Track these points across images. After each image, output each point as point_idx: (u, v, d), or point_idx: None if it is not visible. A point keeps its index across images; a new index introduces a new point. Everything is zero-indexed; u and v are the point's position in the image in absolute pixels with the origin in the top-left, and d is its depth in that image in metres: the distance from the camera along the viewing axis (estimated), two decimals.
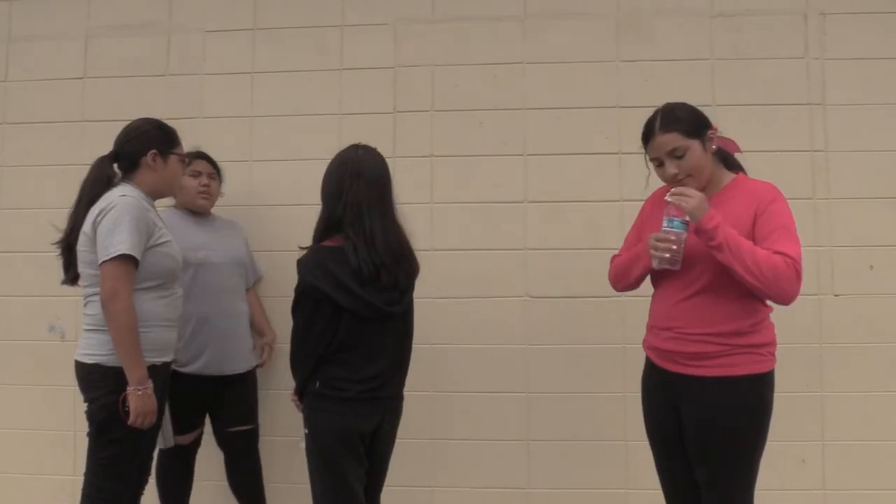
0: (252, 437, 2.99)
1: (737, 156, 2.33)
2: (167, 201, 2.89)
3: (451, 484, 3.12)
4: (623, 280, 2.36)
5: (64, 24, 3.40)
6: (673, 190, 2.09)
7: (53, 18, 3.40)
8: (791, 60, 3.11)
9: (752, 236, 2.08)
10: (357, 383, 2.22)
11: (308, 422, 2.26)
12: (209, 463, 3.05)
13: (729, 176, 2.24)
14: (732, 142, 2.31)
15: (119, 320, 2.26)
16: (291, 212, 3.23)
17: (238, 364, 2.93)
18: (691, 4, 3.16)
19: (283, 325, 3.18)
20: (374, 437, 2.30)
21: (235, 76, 3.31)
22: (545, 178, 3.16)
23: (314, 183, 3.20)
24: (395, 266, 2.23)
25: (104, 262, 2.28)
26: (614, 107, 3.14)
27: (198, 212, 2.98)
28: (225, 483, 3.02)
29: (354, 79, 3.27)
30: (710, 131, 2.18)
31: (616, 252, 2.46)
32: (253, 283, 3.18)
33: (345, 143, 3.17)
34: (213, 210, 3.08)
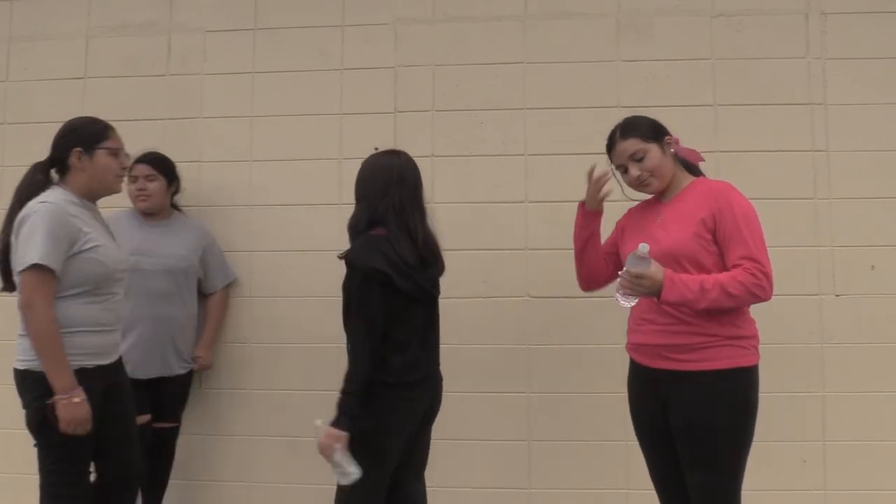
0: (173, 434, 3.07)
1: (701, 165, 2.43)
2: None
3: (451, 484, 3.11)
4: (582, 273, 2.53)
5: (64, 24, 3.39)
6: (622, 281, 2.15)
7: (53, 18, 3.40)
8: (792, 60, 3.11)
9: (712, 230, 2.18)
10: (413, 368, 2.30)
11: (372, 414, 2.25)
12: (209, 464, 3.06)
13: (689, 179, 2.35)
14: (696, 153, 2.42)
15: (36, 330, 2.25)
16: (292, 212, 3.23)
17: (168, 368, 2.97)
18: (692, 4, 3.16)
19: (273, 325, 3.20)
20: (423, 420, 2.40)
21: (235, 76, 3.31)
22: (545, 178, 3.16)
23: (314, 183, 3.23)
24: (434, 260, 2.40)
25: (20, 271, 2.28)
26: (615, 107, 3.14)
27: (149, 213, 3.04)
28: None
29: (355, 79, 3.26)
30: (667, 137, 2.32)
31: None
32: (221, 287, 3.17)
33: (345, 143, 3.22)
34: (203, 209, 3.11)
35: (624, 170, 2.34)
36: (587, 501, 3.07)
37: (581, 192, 3.14)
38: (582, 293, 3.06)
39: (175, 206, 3.18)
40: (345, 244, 2.37)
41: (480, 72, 3.22)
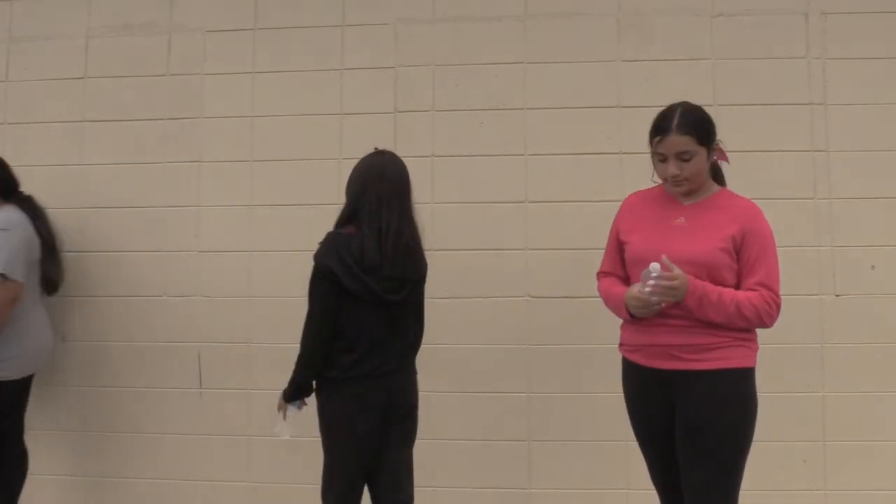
0: None
1: (724, 165, 2.38)
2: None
3: (451, 484, 3.12)
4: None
5: (64, 24, 3.39)
6: (653, 285, 2.10)
7: (53, 18, 3.40)
8: (792, 60, 3.11)
9: (738, 249, 2.17)
10: (359, 365, 2.37)
11: (326, 409, 2.42)
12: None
13: (715, 187, 2.31)
14: (722, 151, 2.35)
15: None
16: (291, 212, 3.23)
17: None
18: (692, 4, 3.16)
19: (273, 325, 3.20)
20: (386, 418, 2.43)
21: (235, 76, 3.31)
22: (545, 178, 3.16)
23: (315, 183, 3.23)
24: (402, 259, 2.39)
25: None
26: (615, 107, 3.14)
27: None
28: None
29: (355, 79, 3.26)
30: (715, 143, 2.25)
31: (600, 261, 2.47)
32: None
33: (345, 143, 3.22)
34: (202, 209, 3.15)
35: (663, 158, 2.21)
36: (587, 501, 3.07)
37: (581, 192, 3.15)
38: (582, 293, 3.07)
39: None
40: None
41: (480, 72, 3.21)
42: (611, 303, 2.34)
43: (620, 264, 2.36)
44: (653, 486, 2.37)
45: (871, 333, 3.01)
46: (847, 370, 3.01)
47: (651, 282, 2.09)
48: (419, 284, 2.51)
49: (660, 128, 2.20)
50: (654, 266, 2.08)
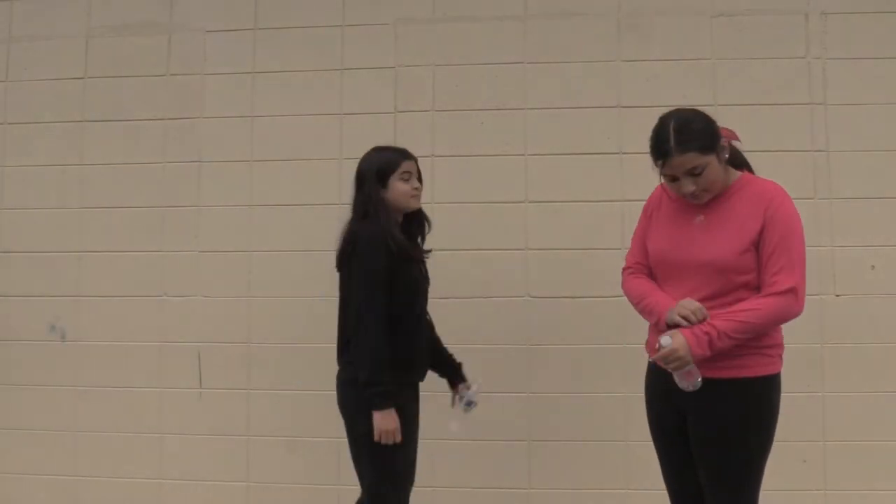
0: None
1: (736, 146, 2.25)
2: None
3: (451, 484, 3.11)
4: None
5: (64, 24, 3.39)
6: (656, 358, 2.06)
7: (53, 18, 3.40)
8: (792, 60, 3.11)
9: (760, 241, 2.06)
10: None
11: None
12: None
13: (735, 174, 2.18)
14: (731, 131, 2.23)
15: None
16: (291, 212, 3.23)
17: None
18: (692, 4, 3.16)
19: (273, 325, 3.19)
20: None
21: (236, 76, 3.31)
22: (545, 178, 3.16)
23: (315, 183, 3.23)
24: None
25: None
26: (615, 107, 3.14)
27: None
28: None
29: (355, 79, 3.26)
30: (722, 140, 2.11)
31: (621, 257, 2.39)
32: None
33: (345, 143, 3.22)
34: (203, 210, 3.11)
35: (673, 178, 2.09)
36: (587, 501, 3.07)
37: (581, 192, 3.15)
38: (582, 293, 3.08)
39: None
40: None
41: (480, 72, 3.21)
42: (652, 316, 2.18)
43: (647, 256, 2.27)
44: (652, 487, 2.37)
45: (871, 333, 3.01)
46: (847, 370, 3.01)
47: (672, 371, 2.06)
48: (342, 277, 2.45)
49: (659, 151, 2.08)
50: (665, 340, 2.02)
